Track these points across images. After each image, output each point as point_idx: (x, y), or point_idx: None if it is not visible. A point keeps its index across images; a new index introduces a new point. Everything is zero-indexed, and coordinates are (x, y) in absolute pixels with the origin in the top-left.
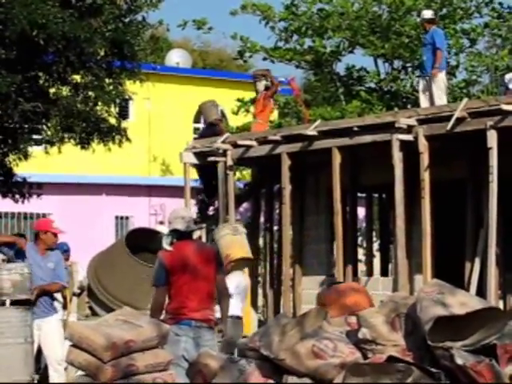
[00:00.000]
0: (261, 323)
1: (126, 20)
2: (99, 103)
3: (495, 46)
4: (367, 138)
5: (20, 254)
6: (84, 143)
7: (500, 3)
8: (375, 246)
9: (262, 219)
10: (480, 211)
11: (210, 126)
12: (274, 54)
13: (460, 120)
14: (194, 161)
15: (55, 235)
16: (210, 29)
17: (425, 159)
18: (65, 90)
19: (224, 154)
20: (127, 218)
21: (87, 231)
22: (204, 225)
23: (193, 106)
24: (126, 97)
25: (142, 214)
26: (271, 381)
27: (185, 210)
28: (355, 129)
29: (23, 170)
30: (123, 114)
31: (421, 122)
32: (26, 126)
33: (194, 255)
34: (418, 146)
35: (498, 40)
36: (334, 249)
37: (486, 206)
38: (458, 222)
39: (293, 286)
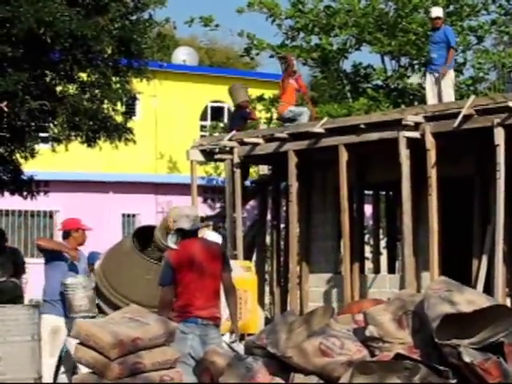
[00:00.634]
0: (268, 321)
1: (133, 18)
2: (106, 101)
3: (502, 43)
4: (374, 136)
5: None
6: (91, 141)
7: (507, 0)
8: (382, 243)
9: (268, 217)
10: (487, 208)
11: (238, 108)
12: (280, 52)
13: (467, 117)
14: (201, 158)
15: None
16: (216, 26)
17: (432, 156)
18: (71, 88)
19: (231, 151)
20: (134, 215)
21: (94, 229)
22: (210, 222)
23: (200, 103)
24: (133, 95)
25: (149, 211)
26: (278, 378)
27: (189, 208)
28: (362, 126)
29: (30, 167)
30: (130, 111)
31: (428, 119)
32: (33, 124)
33: (200, 253)
34: (425, 143)
35: (505, 37)
36: (341, 246)
37: (493, 203)
38: (465, 219)
39: (300, 284)
